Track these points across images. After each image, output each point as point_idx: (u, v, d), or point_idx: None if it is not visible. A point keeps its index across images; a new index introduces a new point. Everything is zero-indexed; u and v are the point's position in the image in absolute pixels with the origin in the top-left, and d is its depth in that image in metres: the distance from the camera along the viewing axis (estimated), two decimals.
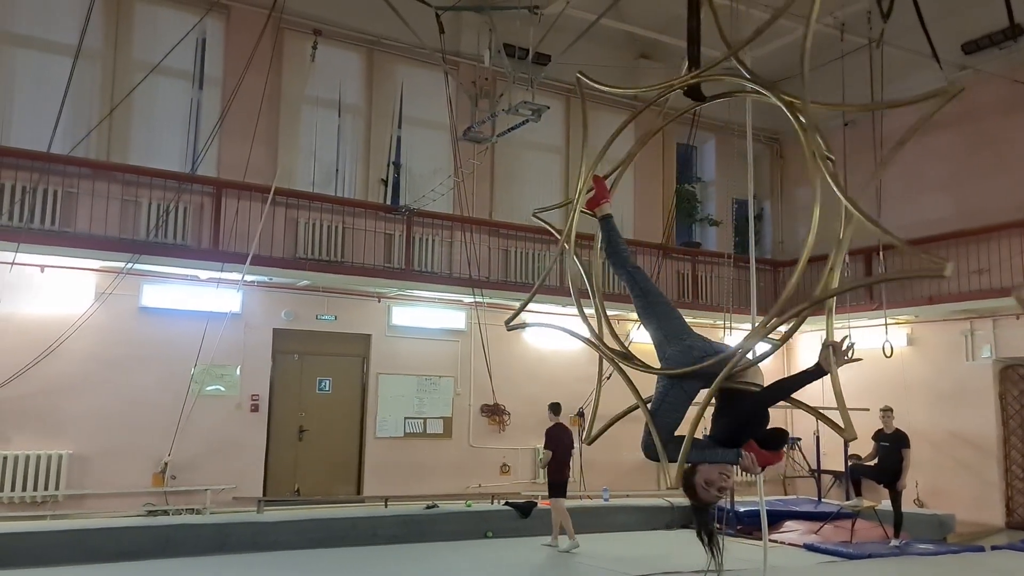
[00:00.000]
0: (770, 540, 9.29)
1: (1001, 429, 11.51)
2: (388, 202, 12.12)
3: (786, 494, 13.62)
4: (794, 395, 3.32)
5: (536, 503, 10.78)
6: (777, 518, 10.85)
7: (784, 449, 3.48)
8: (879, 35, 10.07)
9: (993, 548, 9.99)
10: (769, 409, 3.32)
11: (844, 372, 10.77)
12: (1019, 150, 11.80)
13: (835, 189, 2.90)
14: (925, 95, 2.83)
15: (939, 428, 11.60)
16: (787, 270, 14.86)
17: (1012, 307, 11.40)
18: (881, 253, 11.06)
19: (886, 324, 10.65)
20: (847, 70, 10.59)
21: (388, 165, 12.40)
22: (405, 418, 11.70)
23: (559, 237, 4.04)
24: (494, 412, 12.16)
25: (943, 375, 12.08)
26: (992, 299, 11.25)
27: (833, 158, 3.21)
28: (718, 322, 12.39)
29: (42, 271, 9.56)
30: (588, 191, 3.81)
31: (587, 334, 3.81)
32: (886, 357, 10.14)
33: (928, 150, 12.88)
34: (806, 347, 14.63)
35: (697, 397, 3.38)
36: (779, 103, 3.20)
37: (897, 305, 12.19)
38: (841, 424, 3.08)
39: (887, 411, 10.19)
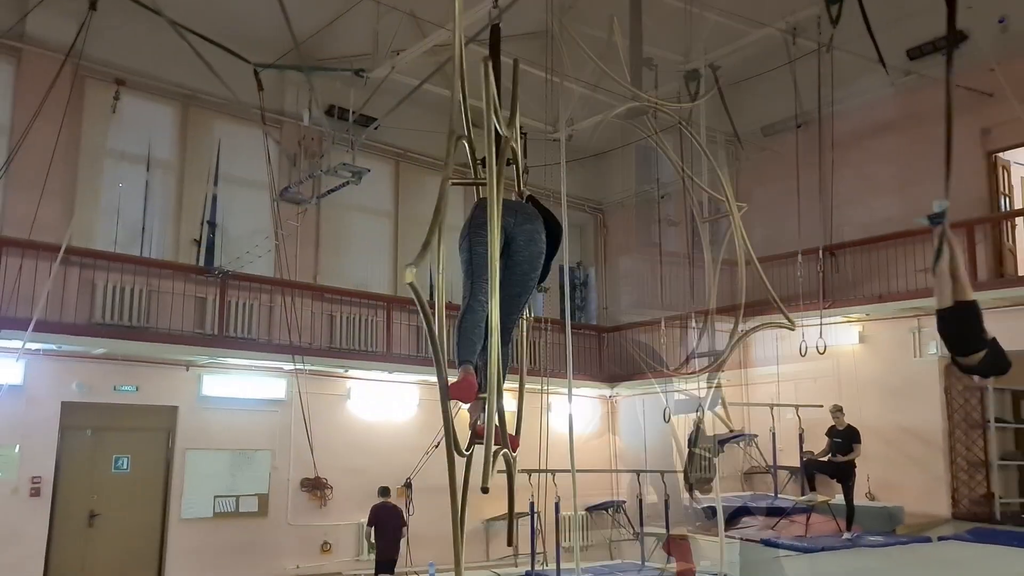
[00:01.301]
0: (728, 535, 9.24)
1: (946, 423, 11.71)
2: (201, 264, 11.37)
3: (744, 490, 13.62)
4: None
5: None
6: (735, 514, 10.87)
7: None
8: (828, 40, 10.22)
9: (940, 539, 10.26)
10: None
11: (800, 371, 10.82)
12: (962, 152, 12.33)
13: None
14: None
15: (889, 423, 11.59)
16: (611, 335, 15.27)
17: None
18: (821, 252, 11.44)
19: (821, 324, 10.76)
20: (798, 73, 10.73)
21: (202, 224, 11.67)
22: (215, 496, 10.77)
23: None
24: (315, 487, 11.48)
25: (893, 372, 12.20)
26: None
27: None
28: (536, 386, 12.29)
29: None
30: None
31: None
32: (819, 354, 10.23)
33: (877, 153, 13.07)
34: None
35: None
36: None
37: (849, 303, 12.40)
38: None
39: (838, 409, 10.46)
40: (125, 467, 10.37)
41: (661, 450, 12.94)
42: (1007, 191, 12.39)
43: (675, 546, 10.93)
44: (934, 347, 11.97)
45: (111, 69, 10.80)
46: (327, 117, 11.04)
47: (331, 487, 11.54)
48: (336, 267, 12.73)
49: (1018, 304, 9.48)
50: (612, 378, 14.58)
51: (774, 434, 12.28)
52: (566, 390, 8.63)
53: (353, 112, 10.28)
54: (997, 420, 12.08)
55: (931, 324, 11.82)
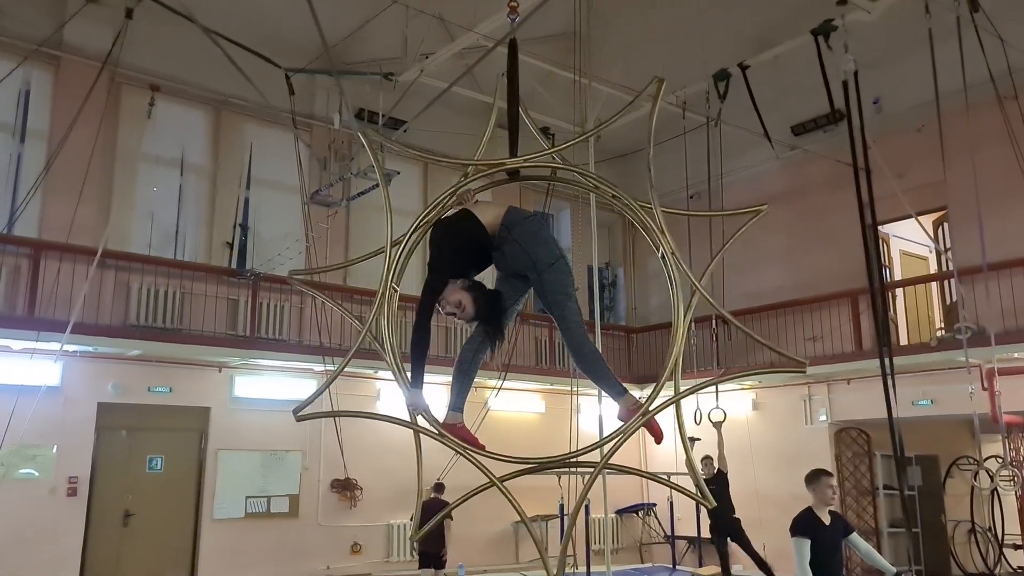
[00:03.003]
0: None
1: (838, 490, 11.99)
2: (234, 266, 11.50)
3: (642, 561, 13.65)
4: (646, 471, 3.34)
5: None
6: None
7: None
8: (717, 115, 10.75)
9: None
10: None
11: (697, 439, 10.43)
12: (843, 224, 12.73)
13: (694, 282, 3.28)
14: (746, 211, 3.71)
15: (783, 491, 11.77)
16: (640, 336, 15.24)
17: (843, 373, 12.07)
18: (714, 321, 11.49)
19: (697, 394, 10.75)
20: (689, 145, 11.13)
21: (234, 227, 11.81)
22: (247, 497, 10.88)
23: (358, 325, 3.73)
24: (345, 487, 11.55)
25: (785, 439, 12.56)
26: (825, 365, 11.89)
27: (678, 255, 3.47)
28: (564, 387, 12.34)
29: None
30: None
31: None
32: (696, 424, 10.28)
33: (765, 223, 13.66)
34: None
35: None
36: (620, 204, 3.37)
37: (741, 371, 12.69)
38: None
39: (707, 459, 10.38)
40: (159, 467, 10.52)
41: (693, 452, 12.87)
42: (887, 263, 12.89)
43: None
44: (824, 414, 12.54)
45: (146, 75, 10.99)
46: (357, 120, 11.12)
47: (361, 488, 11.61)
48: (365, 268, 12.77)
49: (900, 372, 9.62)
50: (642, 379, 14.51)
51: (672, 503, 12.31)
52: (596, 391, 8.60)
53: (382, 115, 10.34)
54: (885, 487, 12.29)
55: (821, 392, 12.70)
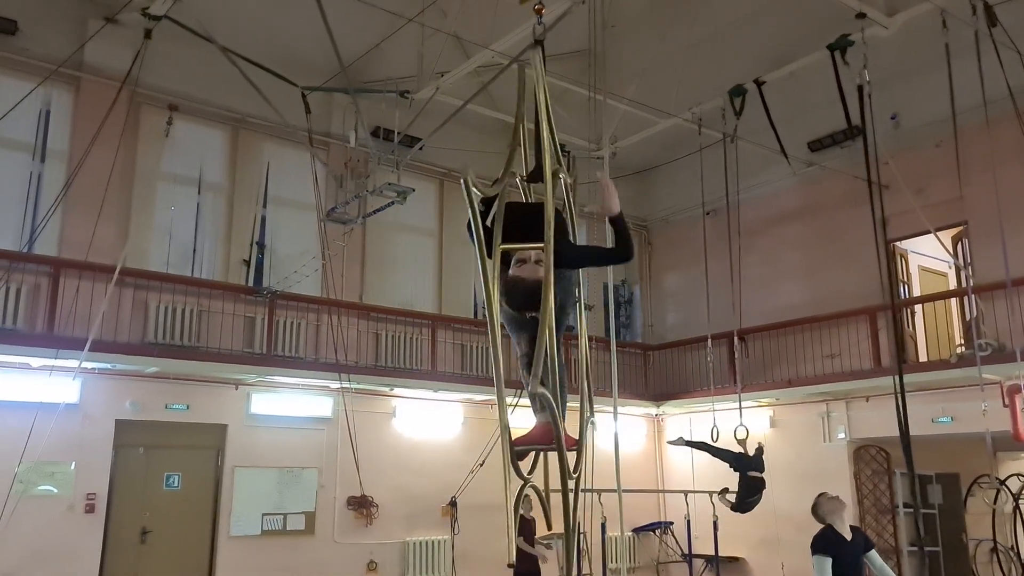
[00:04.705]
0: None
1: (857, 509, 11.78)
2: (250, 284, 11.56)
3: None
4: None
5: None
6: None
7: None
8: (733, 131, 10.74)
9: None
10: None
11: (707, 456, 10.44)
12: (861, 241, 12.66)
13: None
14: None
15: (801, 510, 11.59)
16: (656, 353, 15.19)
17: (862, 390, 11.95)
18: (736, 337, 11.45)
19: (714, 412, 10.68)
20: (705, 162, 11.13)
21: (251, 245, 11.88)
22: (263, 514, 10.86)
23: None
24: (361, 505, 11.52)
25: (803, 456, 12.42)
26: (843, 382, 11.82)
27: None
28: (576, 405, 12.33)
29: None
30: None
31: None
32: (713, 440, 10.18)
33: (783, 239, 13.71)
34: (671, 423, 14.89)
35: None
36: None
37: (759, 388, 12.63)
38: None
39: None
40: (176, 484, 10.53)
41: (710, 470, 12.80)
42: (906, 279, 12.81)
43: None
44: (843, 432, 12.37)
45: (165, 95, 11.10)
46: (373, 138, 11.19)
47: (377, 505, 11.58)
48: (381, 286, 12.85)
49: (920, 389, 9.36)
50: (658, 396, 14.47)
51: (689, 522, 12.18)
52: (611, 409, 8.57)
53: (398, 133, 10.40)
54: (905, 506, 12.06)
55: (840, 409, 12.50)
